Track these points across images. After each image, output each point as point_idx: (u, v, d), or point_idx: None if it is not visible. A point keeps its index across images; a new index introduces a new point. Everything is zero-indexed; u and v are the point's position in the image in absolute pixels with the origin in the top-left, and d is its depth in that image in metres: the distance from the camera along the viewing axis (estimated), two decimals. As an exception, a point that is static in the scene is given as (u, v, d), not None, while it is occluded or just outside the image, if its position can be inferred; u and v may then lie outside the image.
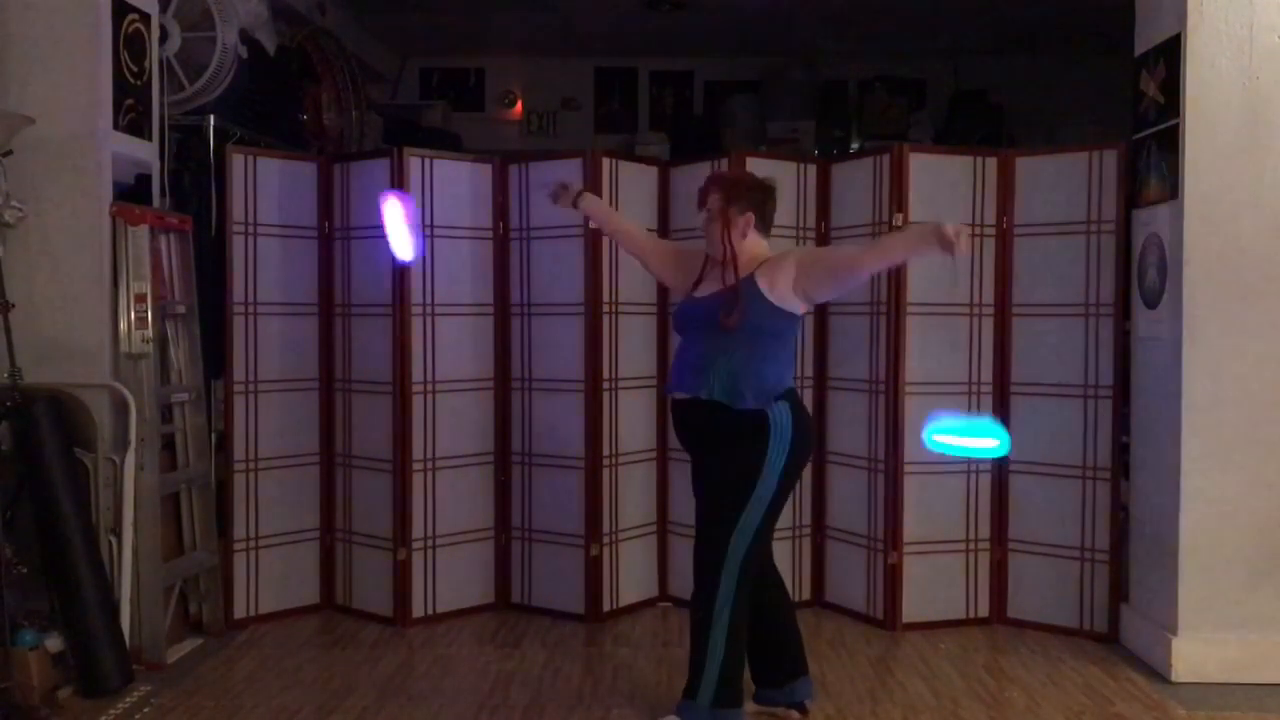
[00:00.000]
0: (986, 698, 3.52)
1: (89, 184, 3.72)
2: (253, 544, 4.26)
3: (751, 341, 3.06)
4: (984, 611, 4.27)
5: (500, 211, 4.38)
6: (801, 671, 3.32)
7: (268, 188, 4.25)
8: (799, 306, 3.12)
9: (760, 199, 3.19)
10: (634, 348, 4.38)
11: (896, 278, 4.10)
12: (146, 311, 3.74)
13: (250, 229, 4.21)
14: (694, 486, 3.26)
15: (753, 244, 3.16)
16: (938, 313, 4.17)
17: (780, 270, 3.08)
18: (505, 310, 4.40)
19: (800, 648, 3.33)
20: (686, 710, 3.11)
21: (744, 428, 3.06)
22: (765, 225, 3.20)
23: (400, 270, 4.12)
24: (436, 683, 3.64)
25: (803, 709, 3.30)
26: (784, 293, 3.06)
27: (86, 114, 3.71)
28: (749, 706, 3.26)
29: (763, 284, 3.07)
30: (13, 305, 3.53)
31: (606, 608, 4.31)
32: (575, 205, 3.50)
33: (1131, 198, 3.99)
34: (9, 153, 3.53)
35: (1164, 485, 3.74)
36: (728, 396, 3.05)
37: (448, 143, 6.55)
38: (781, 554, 4.37)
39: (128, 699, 3.44)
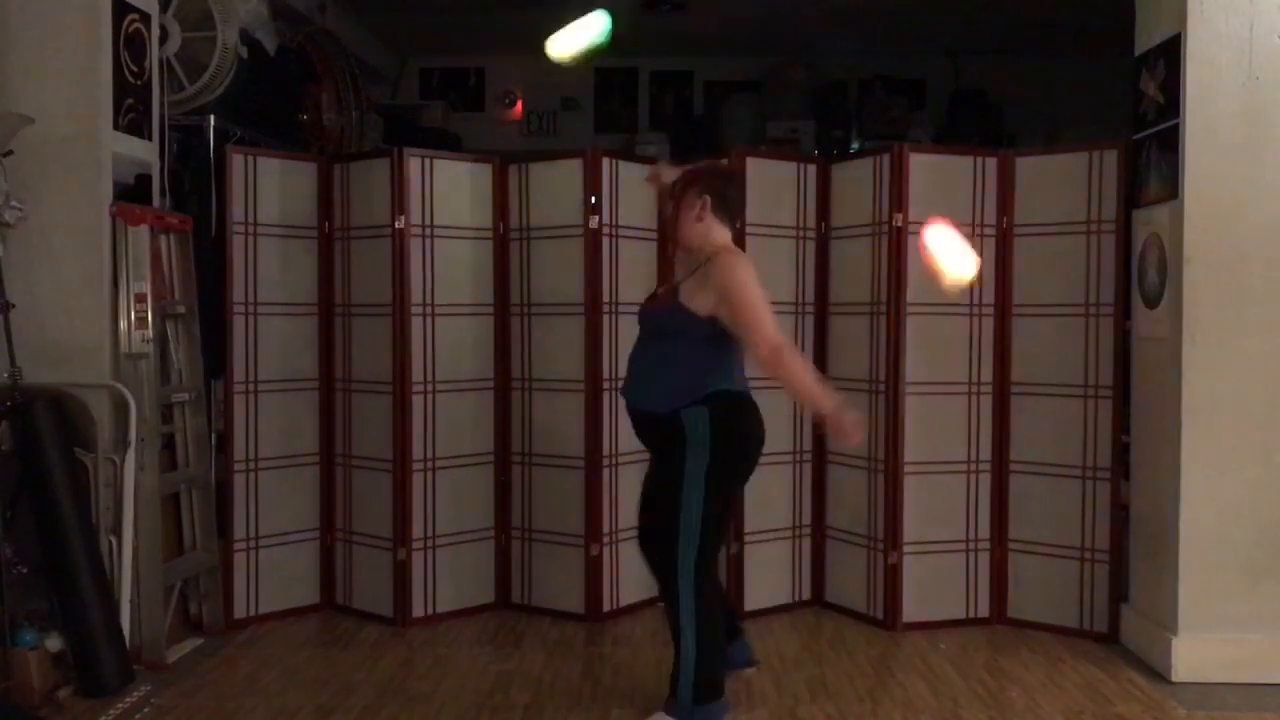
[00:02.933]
0: (986, 698, 3.52)
1: (89, 184, 3.71)
2: (253, 544, 4.26)
3: (662, 345, 3.15)
4: (984, 611, 4.27)
5: (500, 211, 4.38)
6: (738, 634, 3.41)
7: (268, 188, 4.25)
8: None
9: (719, 185, 3.21)
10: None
11: (896, 278, 4.11)
12: (146, 311, 3.74)
13: (250, 229, 4.21)
14: None
15: (709, 230, 3.18)
16: (938, 313, 4.17)
17: (701, 294, 3.08)
18: (505, 310, 4.40)
19: (730, 609, 3.42)
20: (672, 709, 3.14)
21: (665, 433, 3.10)
22: (728, 212, 3.20)
23: (400, 270, 4.13)
24: (436, 683, 3.64)
25: (751, 664, 3.41)
26: (699, 306, 3.08)
27: (86, 114, 3.71)
28: None
29: (683, 296, 3.11)
30: (13, 305, 3.53)
31: (606, 608, 4.31)
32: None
33: (1131, 198, 3.99)
34: (9, 153, 3.53)
35: (1164, 485, 3.74)
36: (649, 402, 3.15)
37: (448, 143, 6.55)
38: (781, 554, 4.38)
39: (128, 699, 3.44)
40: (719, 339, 3.09)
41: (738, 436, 3.11)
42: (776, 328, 3.03)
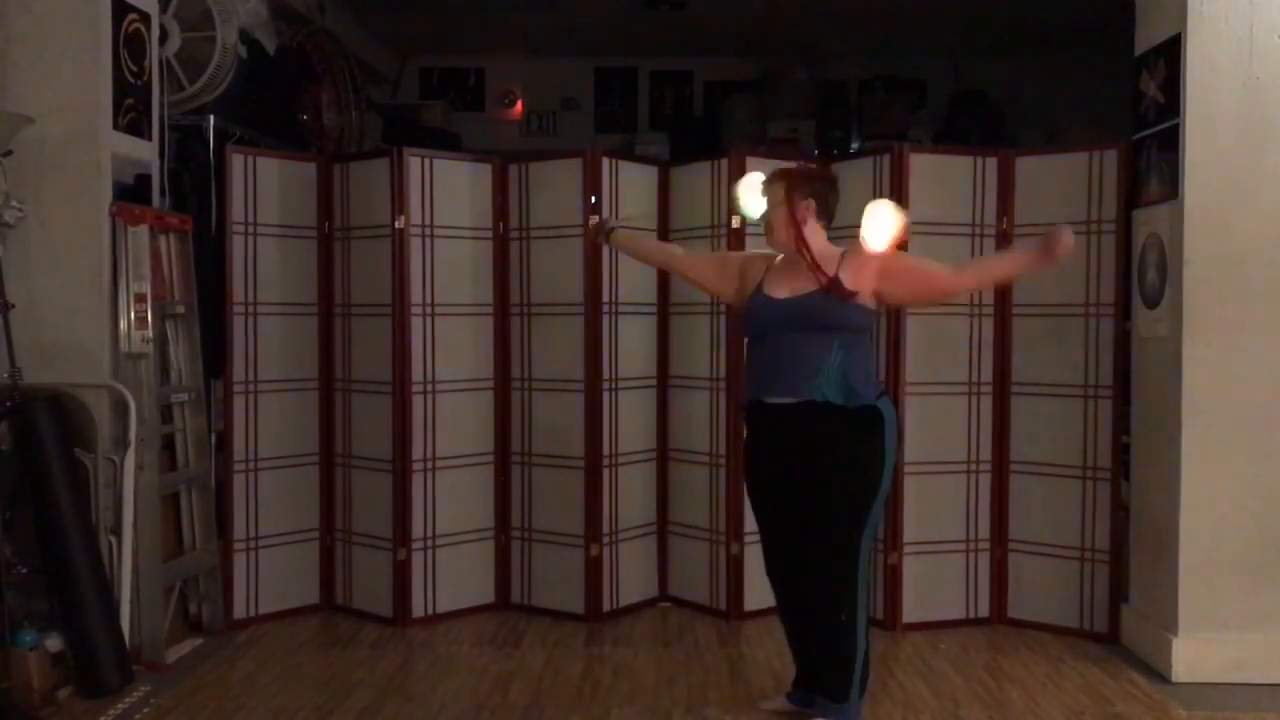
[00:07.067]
0: (986, 698, 3.52)
1: (89, 184, 3.72)
2: (253, 544, 4.26)
3: (853, 339, 3.10)
4: (984, 611, 4.27)
5: (500, 211, 4.38)
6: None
7: (268, 188, 4.25)
8: (873, 304, 3.16)
9: (822, 188, 3.21)
10: (634, 348, 4.38)
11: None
12: (146, 311, 3.74)
13: (250, 229, 4.21)
14: (788, 494, 3.16)
15: (815, 232, 3.17)
16: (938, 313, 4.17)
17: (863, 271, 3.07)
18: (505, 310, 4.40)
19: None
20: (840, 713, 3.12)
21: (860, 425, 3.08)
22: (826, 214, 3.20)
23: (400, 270, 4.13)
24: (436, 683, 3.64)
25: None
26: (865, 293, 3.08)
27: (86, 114, 3.71)
28: (780, 704, 3.31)
29: (849, 281, 3.07)
30: (13, 305, 3.53)
31: (606, 608, 4.31)
32: (606, 242, 3.60)
33: (1131, 198, 3.99)
34: (9, 153, 3.53)
35: (1164, 485, 3.74)
36: (843, 396, 3.06)
37: (448, 143, 6.55)
38: (781, 554, 4.38)
39: (128, 699, 3.44)
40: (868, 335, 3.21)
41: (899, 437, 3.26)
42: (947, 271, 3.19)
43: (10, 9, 3.68)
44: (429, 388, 4.25)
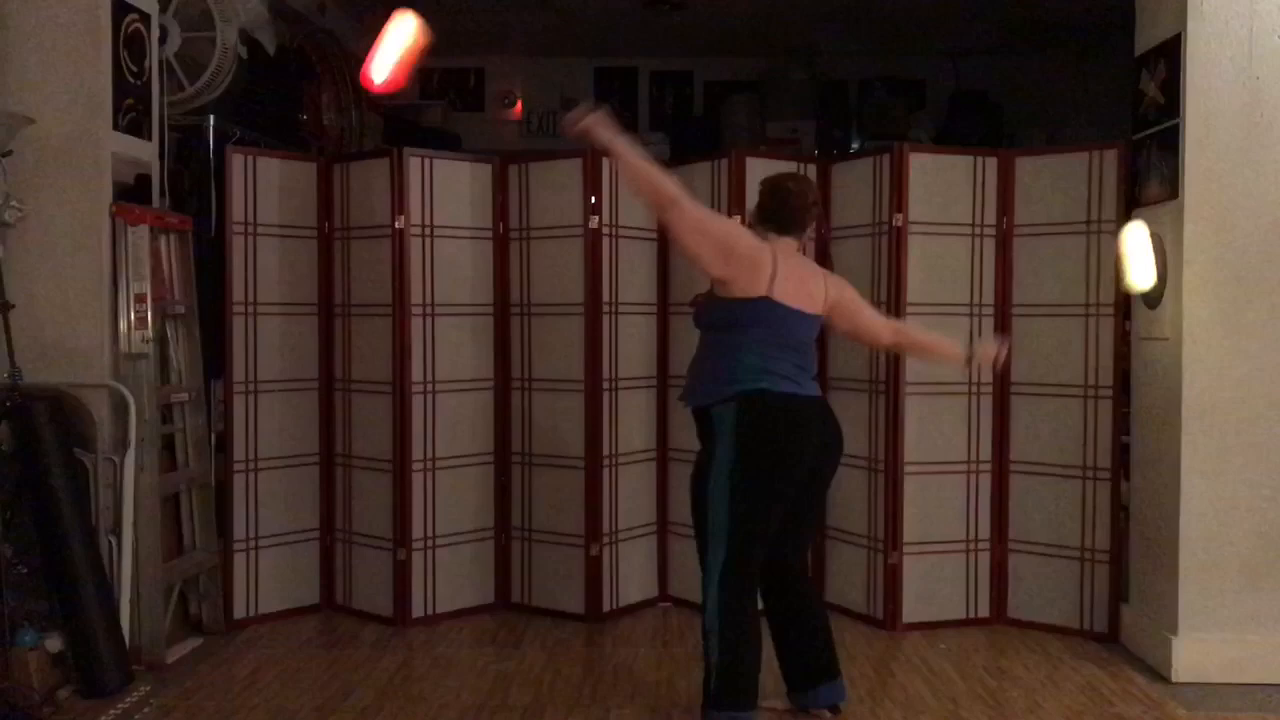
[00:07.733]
0: (986, 698, 3.52)
1: (89, 184, 3.72)
2: (253, 544, 4.26)
3: (713, 337, 3.17)
4: (984, 611, 4.27)
5: (500, 211, 4.38)
6: (831, 675, 3.28)
7: (268, 188, 4.25)
8: (737, 286, 3.05)
9: (763, 196, 3.23)
10: (634, 348, 4.38)
11: (896, 279, 4.10)
12: (146, 311, 3.74)
13: (250, 229, 4.21)
14: None
15: (769, 240, 3.18)
16: (938, 313, 4.17)
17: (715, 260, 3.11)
18: (505, 310, 4.40)
19: (830, 650, 3.29)
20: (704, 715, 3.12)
21: (702, 427, 3.16)
22: (773, 223, 3.18)
23: (400, 270, 4.13)
24: (436, 683, 3.64)
25: (835, 710, 3.29)
26: (726, 279, 3.07)
27: (86, 114, 3.71)
28: (779, 703, 3.31)
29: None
30: (13, 305, 3.54)
31: (606, 608, 4.31)
32: (590, 134, 3.00)
33: (1131, 198, 3.99)
34: (9, 153, 3.53)
35: (1164, 485, 3.74)
36: (683, 394, 3.23)
37: (448, 143, 6.55)
38: (781, 554, 4.38)
39: (128, 699, 3.44)
40: (748, 326, 3.05)
41: (764, 439, 3.03)
42: (672, 198, 2.97)
43: (11, 9, 3.68)
44: (429, 388, 4.25)
